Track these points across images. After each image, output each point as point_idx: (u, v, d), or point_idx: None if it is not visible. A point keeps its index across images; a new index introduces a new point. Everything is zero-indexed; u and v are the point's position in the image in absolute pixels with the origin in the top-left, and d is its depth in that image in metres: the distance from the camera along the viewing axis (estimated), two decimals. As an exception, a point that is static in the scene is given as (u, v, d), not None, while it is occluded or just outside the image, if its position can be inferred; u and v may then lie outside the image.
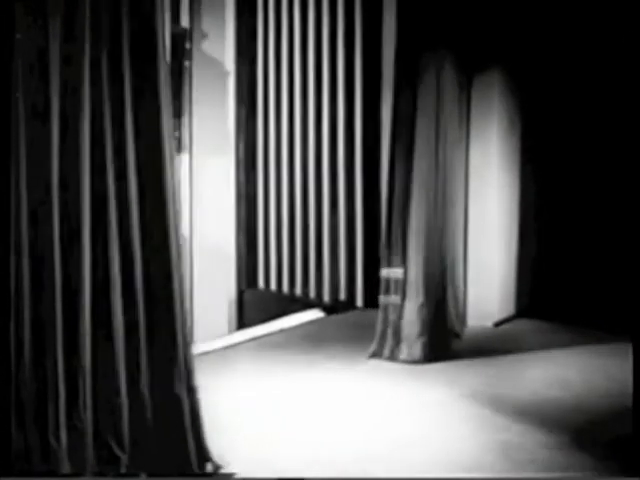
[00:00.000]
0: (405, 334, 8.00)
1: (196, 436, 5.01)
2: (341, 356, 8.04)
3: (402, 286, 8.04)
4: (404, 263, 8.07)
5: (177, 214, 4.86)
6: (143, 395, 4.76)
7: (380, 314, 8.15)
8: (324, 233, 11.39)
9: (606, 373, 7.36)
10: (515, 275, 9.85)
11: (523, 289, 9.89)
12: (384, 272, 8.18)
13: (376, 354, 8.03)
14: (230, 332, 11.63)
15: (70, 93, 4.41)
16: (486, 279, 9.34)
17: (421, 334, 7.96)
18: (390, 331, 8.04)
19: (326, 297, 11.32)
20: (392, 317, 8.06)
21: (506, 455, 5.39)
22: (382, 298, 8.19)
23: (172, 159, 4.82)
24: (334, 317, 10.20)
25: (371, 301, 10.46)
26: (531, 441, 5.64)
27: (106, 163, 4.54)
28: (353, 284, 10.98)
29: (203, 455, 5.03)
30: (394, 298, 8.07)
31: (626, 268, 8.57)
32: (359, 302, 10.84)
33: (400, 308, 8.03)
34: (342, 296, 11.13)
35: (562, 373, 7.40)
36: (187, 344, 5.00)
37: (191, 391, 5.06)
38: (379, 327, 8.12)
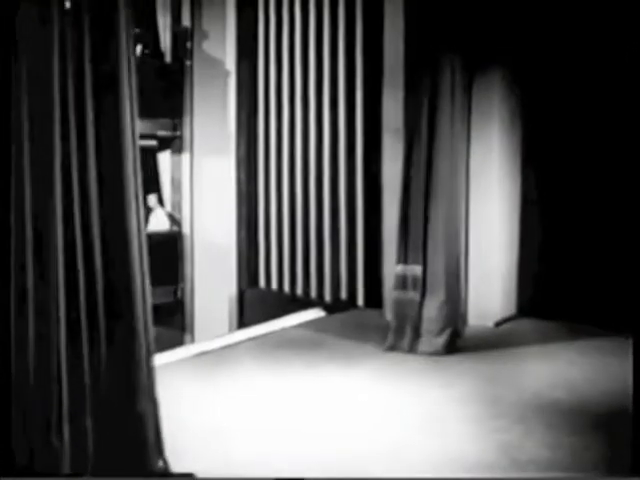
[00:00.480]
0: (425, 329, 8.23)
1: (159, 450, 4.86)
2: (342, 356, 8.04)
3: (422, 283, 8.22)
4: (424, 260, 8.25)
5: (140, 226, 4.62)
6: (103, 410, 4.55)
7: (395, 309, 8.31)
8: (325, 232, 11.39)
9: (607, 372, 7.35)
10: (516, 275, 9.84)
11: (524, 288, 9.88)
12: (400, 269, 8.33)
13: (393, 348, 8.20)
14: (231, 331, 11.63)
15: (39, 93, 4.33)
16: (487, 279, 9.33)
17: (443, 329, 8.18)
18: (409, 326, 8.21)
19: (327, 296, 11.32)
20: (410, 312, 8.23)
21: (507, 455, 5.39)
22: (397, 294, 8.34)
23: (135, 163, 4.60)
24: (335, 316, 10.19)
25: (372, 300, 10.47)
26: (532, 441, 5.64)
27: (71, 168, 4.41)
28: (354, 283, 10.98)
29: (166, 467, 4.91)
30: (412, 294, 8.24)
31: (627, 267, 8.57)
32: (360, 301, 10.85)
33: (420, 304, 8.22)
34: (343, 295, 11.14)
35: (563, 373, 7.39)
36: (150, 356, 4.78)
37: (154, 405, 4.85)
38: (394, 322, 8.27)
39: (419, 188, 8.33)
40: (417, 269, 8.25)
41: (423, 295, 8.24)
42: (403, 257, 8.31)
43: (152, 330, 4.79)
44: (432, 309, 8.24)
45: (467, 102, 8.81)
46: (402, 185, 8.44)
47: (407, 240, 8.32)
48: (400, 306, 8.29)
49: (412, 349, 8.11)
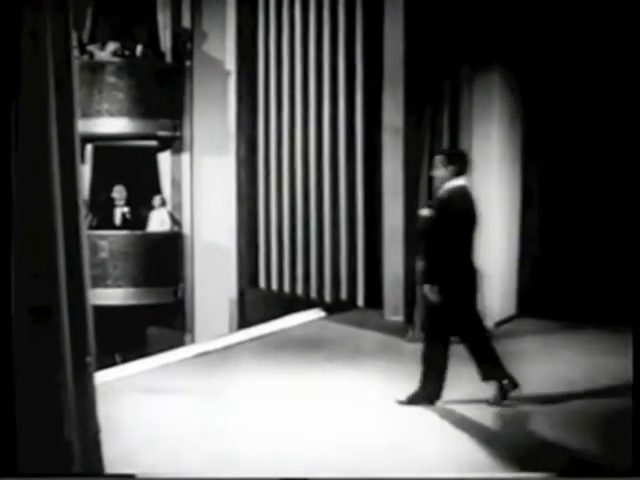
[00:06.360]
0: None
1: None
2: (342, 356, 8.04)
3: None
4: None
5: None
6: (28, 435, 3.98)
7: (419, 302, 8.51)
8: (325, 233, 11.39)
9: (607, 372, 7.34)
10: (516, 275, 9.84)
11: (524, 288, 9.88)
12: (422, 264, 8.53)
13: (418, 339, 8.35)
14: (231, 332, 11.63)
15: None
16: (487, 279, 9.32)
17: None
18: None
19: (327, 297, 11.32)
20: None
21: (506, 455, 5.39)
22: (422, 288, 8.53)
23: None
24: (335, 316, 10.19)
25: (372, 300, 10.46)
26: (532, 441, 5.63)
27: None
28: (354, 284, 10.97)
29: None
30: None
31: (627, 267, 8.56)
32: (360, 302, 10.84)
33: None
34: (343, 296, 11.13)
35: (563, 372, 7.39)
36: (84, 379, 4.20)
37: (88, 434, 4.22)
38: (418, 314, 8.54)
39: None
40: None
41: None
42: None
43: (91, 347, 4.25)
44: None
45: (469, 101, 8.83)
46: (424, 183, 8.65)
47: None
48: (424, 300, 8.54)
49: None
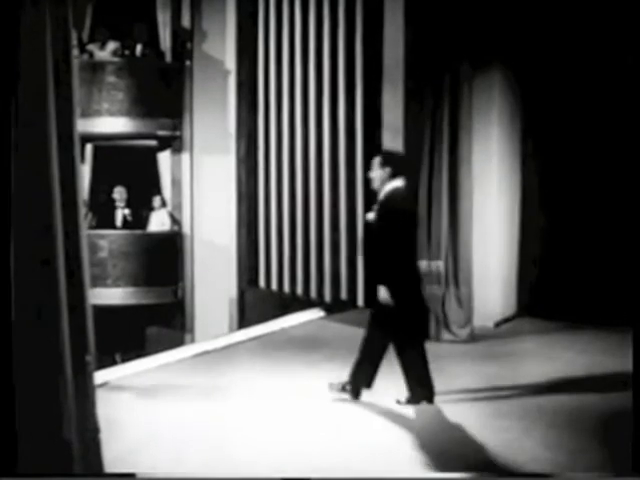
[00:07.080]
0: (451, 320, 8.64)
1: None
2: (342, 355, 8.03)
3: (445, 277, 8.65)
4: (451, 257, 8.68)
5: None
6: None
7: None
8: (325, 232, 11.38)
9: (607, 371, 7.35)
10: (516, 275, 9.84)
11: (524, 288, 9.88)
12: (423, 264, 8.59)
13: None
14: (231, 331, 11.63)
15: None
16: (487, 280, 9.33)
17: (467, 321, 8.66)
18: (433, 318, 8.62)
19: (327, 296, 11.31)
20: (434, 305, 8.62)
21: (507, 454, 5.38)
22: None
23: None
24: (335, 316, 10.19)
25: (372, 300, 10.45)
26: (532, 440, 5.63)
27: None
28: (354, 283, 10.97)
29: None
30: (436, 288, 8.64)
31: (627, 267, 8.55)
32: (360, 301, 10.84)
33: (443, 297, 8.64)
34: (343, 295, 11.13)
35: (563, 372, 7.39)
36: (84, 380, 4.17)
37: (88, 433, 4.18)
38: None
39: (440, 188, 8.67)
40: (440, 264, 8.65)
41: (447, 287, 8.67)
42: (427, 253, 8.66)
43: (91, 346, 4.22)
44: (456, 302, 8.66)
45: (469, 100, 8.82)
46: (426, 189, 8.73)
47: (430, 237, 8.67)
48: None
49: (438, 338, 8.49)
